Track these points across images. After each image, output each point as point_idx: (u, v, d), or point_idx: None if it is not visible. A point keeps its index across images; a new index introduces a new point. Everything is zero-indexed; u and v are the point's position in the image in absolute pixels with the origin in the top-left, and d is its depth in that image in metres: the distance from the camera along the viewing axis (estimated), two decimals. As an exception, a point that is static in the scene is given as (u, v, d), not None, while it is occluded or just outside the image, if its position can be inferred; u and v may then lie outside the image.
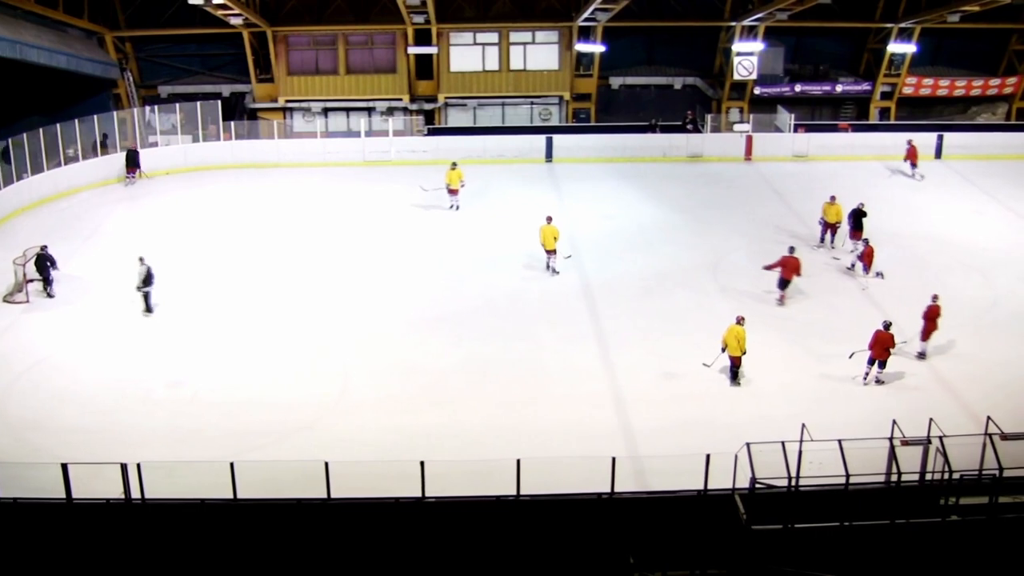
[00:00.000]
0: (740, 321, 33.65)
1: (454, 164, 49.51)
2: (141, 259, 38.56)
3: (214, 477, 25.18)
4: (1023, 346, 36.20)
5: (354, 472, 25.65)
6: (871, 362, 33.64)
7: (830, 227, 45.25)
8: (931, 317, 35.10)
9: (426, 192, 49.34)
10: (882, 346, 33.24)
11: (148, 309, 38.49)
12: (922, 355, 35.36)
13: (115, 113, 57.46)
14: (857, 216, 44.56)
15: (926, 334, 35.21)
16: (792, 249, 40.59)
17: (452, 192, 49.58)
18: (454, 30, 63.27)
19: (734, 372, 33.72)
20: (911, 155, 57.51)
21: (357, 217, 49.51)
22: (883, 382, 33.70)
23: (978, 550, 26.44)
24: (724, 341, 33.59)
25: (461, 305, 39.52)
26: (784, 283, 39.98)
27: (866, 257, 41.67)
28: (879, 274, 41.51)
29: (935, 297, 35.50)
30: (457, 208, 49.61)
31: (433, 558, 26.11)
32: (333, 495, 25.30)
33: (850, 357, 33.97)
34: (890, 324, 33.52)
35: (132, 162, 54.91)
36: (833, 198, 45.33)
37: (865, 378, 33.77)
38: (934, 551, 26.34)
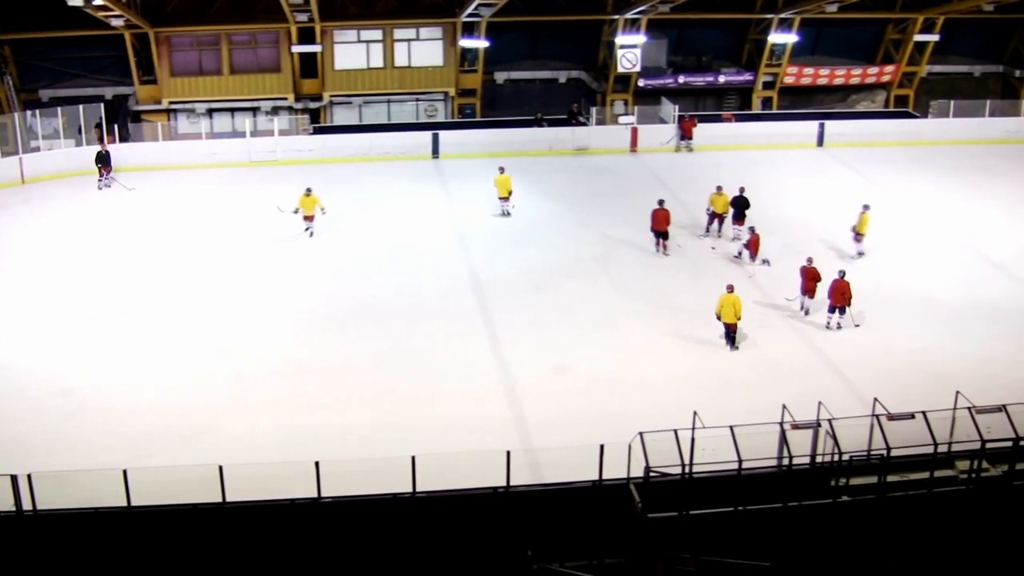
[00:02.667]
0: (731, 289, 35.48)
1: (308, 190, 46.51)
2: None
3: (108, 485, 24.77)
4: (906, 327, 37.04)
5: (249, 474, 25.30)
6: (832, 310, 36.84)
7: (717, 216, 45.83)
8: (808, 277, 37.77)
9: (283, 213, 46.49)
10: (840, 293, 36.42)
11: None
12: (802, 308, 38.23)
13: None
14: (739, 203, 45.33)
15: (803, 289, 38.00)
16: (661, 202, 44.09)
17: (308, 218, 46.47)
18: (338, 28, 62.78)
19: (731, 337, 35.55)
20: (687, 129, 61.06)
21: (244, 218, 48.80)
22: (841, 326, 36.65)
23: (868, 529, 26.92)
24: (718, 310, 35.49)
25: (350, 304, 39.32)
26: (658, 234, 44.20)
27: (752, 245, 42.27)
28: (765, 261, 42.11)
29: (810, 260, 38.23)
30: (312, 234, 46.47)
31: (331, 558, 25.98)
32: (228, 498, 25.02)
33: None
34: (845, 272, 36.99)
35: (104, 162, 53.78)
36: (719, 188, 45.87)
37: (828, 324, 36.93)
38: (826, 532, 26.77)
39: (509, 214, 49.34)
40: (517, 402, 31.87)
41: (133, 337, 36.51)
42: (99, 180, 53.73)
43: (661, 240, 44.36)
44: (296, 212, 45.95)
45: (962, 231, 47.20)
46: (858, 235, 43.66)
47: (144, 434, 29.92)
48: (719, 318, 35.42)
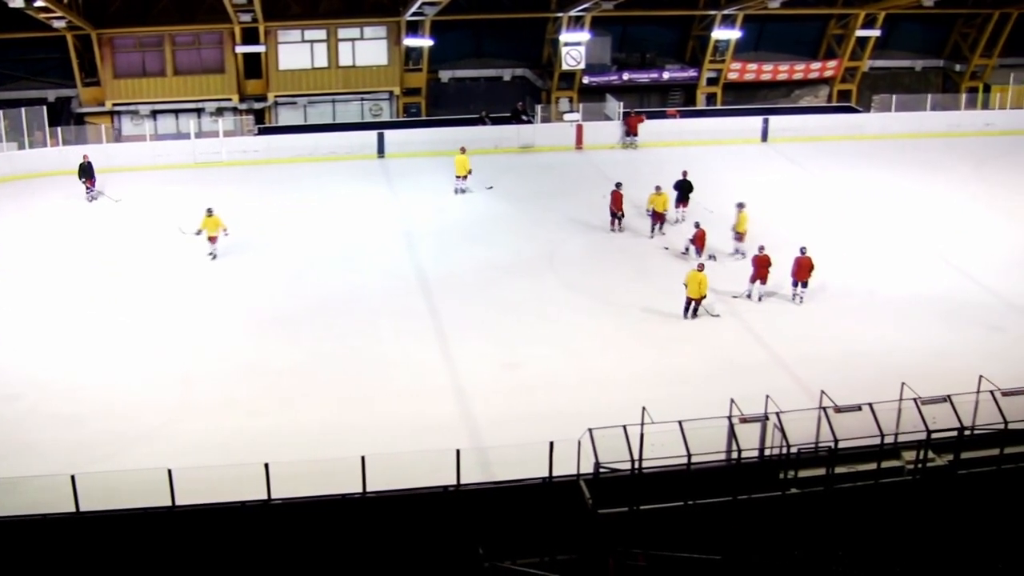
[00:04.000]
0: (701, 268, 37.38)
1: (210, 210, 44.13)
2: None
3: (56, 491, 24.54)
4: (852, 321, 37.38)
5: (199, 477, 25.13)
6: (795, 284, 38.76)
7: (658, 216, 45.94)
8: (760, 265, 38.52)
9: (184, 235, 44.53)
10: (805, 268, 38.36)
11: None
12: (749, 296, 39.09)
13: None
14: (682, 187, 46.41)
15: (753, 278, 38.80)
16: (619, 185, 46.75)
17: (212, 239, 43.86)
18: (282, 28, 62.47)
19: (689, 309, 37.35)
20: (632, 125, 61.68)
21: (188, 219, 48.25)
22: (803, 300, 38.73)
23: (817, 520, 27.10)
24: (686, 282, 37.40)
25: (298, 304, 39.10)
26: (613, 215, 46.64)
27: (698, 240, 42.46)
28: (712, 257, 42.22)
29: (761, 248, 38.91)
30: (214, 257, 43.96)
31: (282, 559, 25.87)
32: (178, 502, 24.83)
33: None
34: (806, 248, 38.50)
35: (87, 174, 52.11)
36: (658, 188, 46.00)
37: (793, 298, 38.87)
38: (776, 524, 26.92)
39: (464, 191, 52.27)
40: (467, 400, 31.84)
41: (80, 340, 36.18)
42: (87, 193, 52.27)
43: (615, 220, 46.55)
44: (199, 233, 43.93)
45: (907, 224, 47.63)
46: (738, 234, 43.25)
47: (92, 438, 29.60)
48: (686, 287, 37.22)
